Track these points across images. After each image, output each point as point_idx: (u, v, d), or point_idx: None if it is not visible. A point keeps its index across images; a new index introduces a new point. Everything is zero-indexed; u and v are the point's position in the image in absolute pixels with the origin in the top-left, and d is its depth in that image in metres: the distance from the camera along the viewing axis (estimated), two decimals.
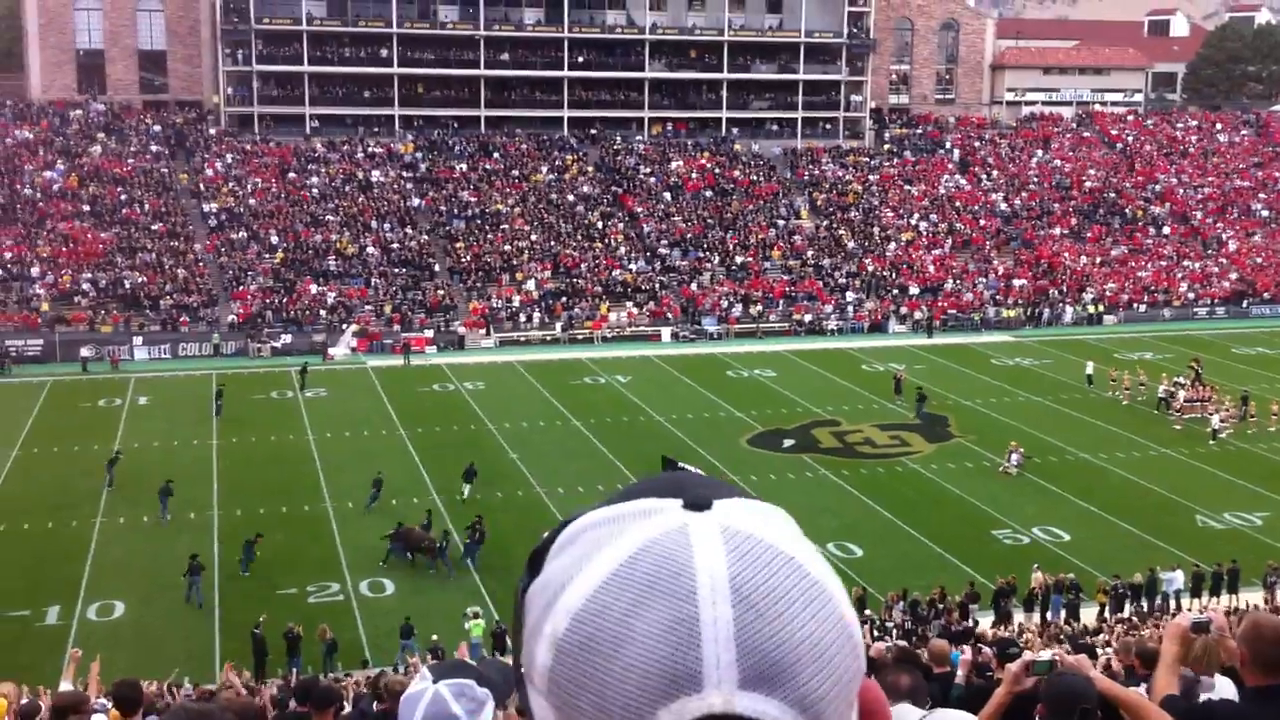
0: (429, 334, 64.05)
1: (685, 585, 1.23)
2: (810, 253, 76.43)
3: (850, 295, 72.38)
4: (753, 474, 43.07)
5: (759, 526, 1.30)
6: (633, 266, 72.40)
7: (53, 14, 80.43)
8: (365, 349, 62.32)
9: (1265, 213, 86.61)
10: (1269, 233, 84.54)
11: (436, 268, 70.37)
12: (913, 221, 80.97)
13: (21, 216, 68.04)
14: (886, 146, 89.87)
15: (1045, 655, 5.77)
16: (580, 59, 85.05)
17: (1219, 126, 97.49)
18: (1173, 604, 32.26)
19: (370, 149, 79.44)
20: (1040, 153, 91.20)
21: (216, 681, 25.53)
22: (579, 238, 74.48)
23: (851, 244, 77.90)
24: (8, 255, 64.96)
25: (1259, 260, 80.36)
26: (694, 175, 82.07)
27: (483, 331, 65.36)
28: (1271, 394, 53.41)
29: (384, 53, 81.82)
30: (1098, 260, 78.93)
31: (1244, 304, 76.12)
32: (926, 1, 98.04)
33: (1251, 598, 31.96)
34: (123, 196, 70.94)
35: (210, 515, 38.68)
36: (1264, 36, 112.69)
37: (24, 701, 15.26)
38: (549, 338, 65.81)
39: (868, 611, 30.44)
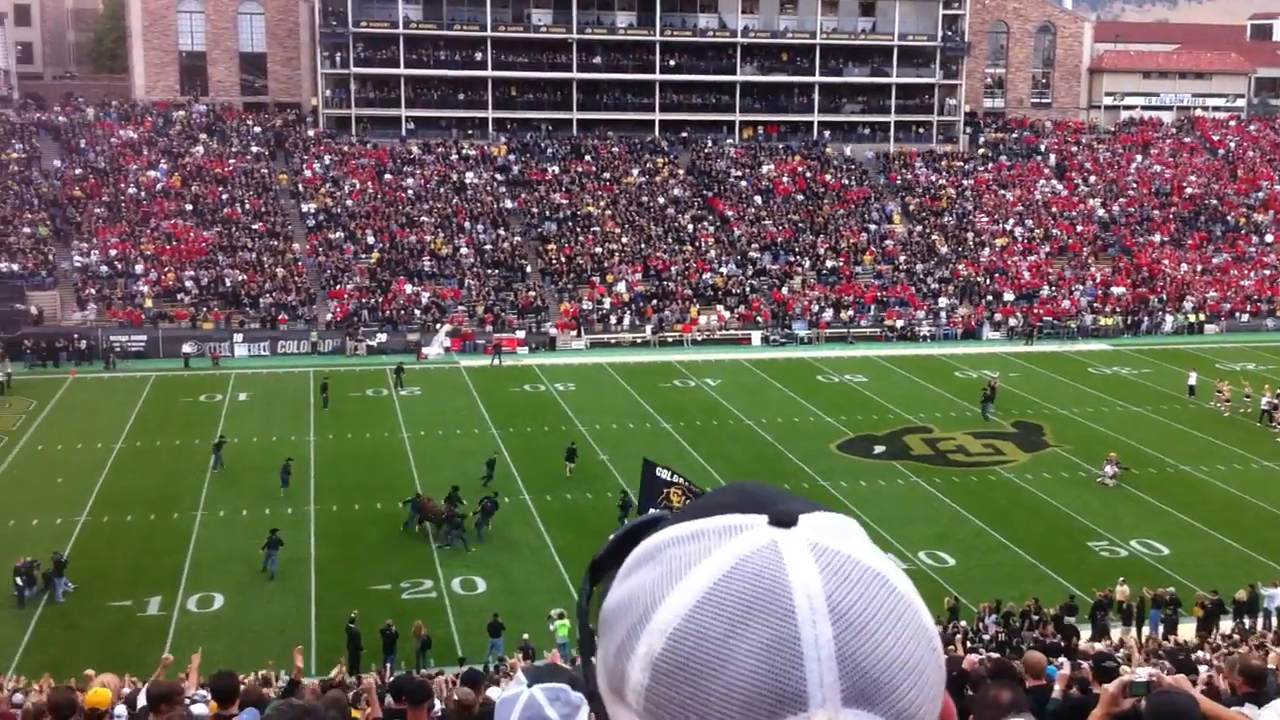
0: (520, 335, 64.55)
1: (783, 604, 1.24)
2: (902, 257, 75.84)
3: (943, 301, 71.68)
4: (842, 480, 42.90)
5: (844, 541, 1.31)
6: (723, 270, 72.37)
7: (156, 16, 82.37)
8: (458, 349, 63.01)
9: None
10: None
11: (528, 269, 70.93)
12: (1008, 227, 80.00)
13: (126, 215, 69.76)
14: (981, 151, 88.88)
15: (1142, 675, 5.70)
16: (672, 62, 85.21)
17: None
18: (1274, 621, 31.54)
19: (464, 151, 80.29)
20: (1139, 158, 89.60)
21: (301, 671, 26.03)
22: (669, 240, 74.63)
23: (945, 249, 77.16)
24: (113, 253, 66.64)
25: None
26: (785, 179, 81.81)
27: (573, 333, 65.75)
28: None
29: (478, 56, 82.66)
30: (1199, 268, 77.33)
31: None
32: (1023, 4, 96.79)
33: None
34: (224, 196, 72.45)
35: (307, 510, 39.33)
36: None
37: (127, 691, 15.68)
38: (639, 340, 66.01)
39: (962, 622, 30.13)
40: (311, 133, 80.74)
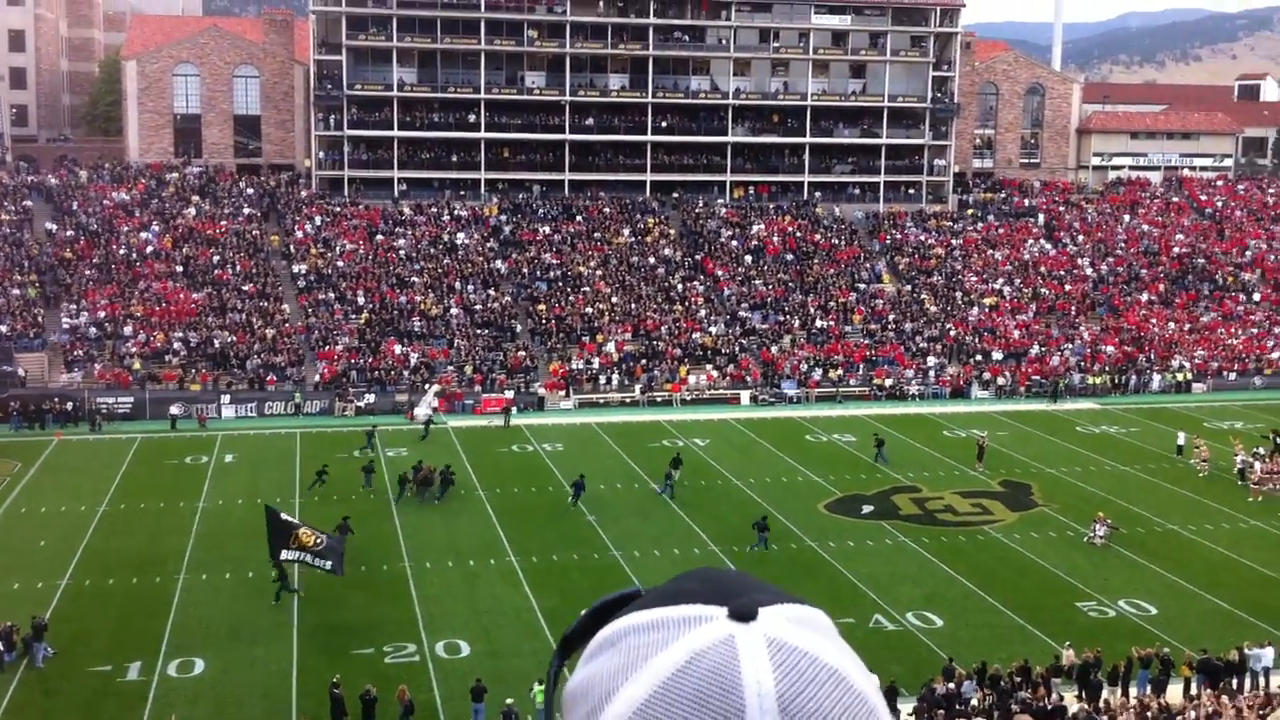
0: (509, 394, 64.50)
1: (734, 703, 1.22)
2: (892, 317, 76.03)
3: (932, 360, 71.79)
4: (831, 540, 42.73)
5: (804, 638, 1.29)
6: (713, 329, 72.50)
7: (151, 79, 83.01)
8: (446, 409, 62.90)
9: None
10: None
11: (518, 329, 71.03)
12: (996, 286, 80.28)
13: (116, 276, 69.88)
14: (970, 210, 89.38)
15: None
16: (664, 123, 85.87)
17: None
18: (1262, 682, 31.34)
19: (456, 212, 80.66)
20: (1128, 218, 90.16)
21: None
22: (659, 300, 74.81)
23: (934, 308, 77.39)
24: (102, 314, 66.68)
25: None
26: (775, 238, 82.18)
27: (562, 393, 65.71)
28: None
29: (471, 118, 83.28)
30: (1186, 327, 77.58)
31: None
32: (1012, 66, 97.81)
33: None
34: (215, 258, 72.63)
35: (290, 573, 38.96)
36: None
37: None
38: (628, 400, 65.96)
39: (950, 685, 29.91)
40: (304, 194, 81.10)
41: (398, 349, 67.16)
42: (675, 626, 1.30)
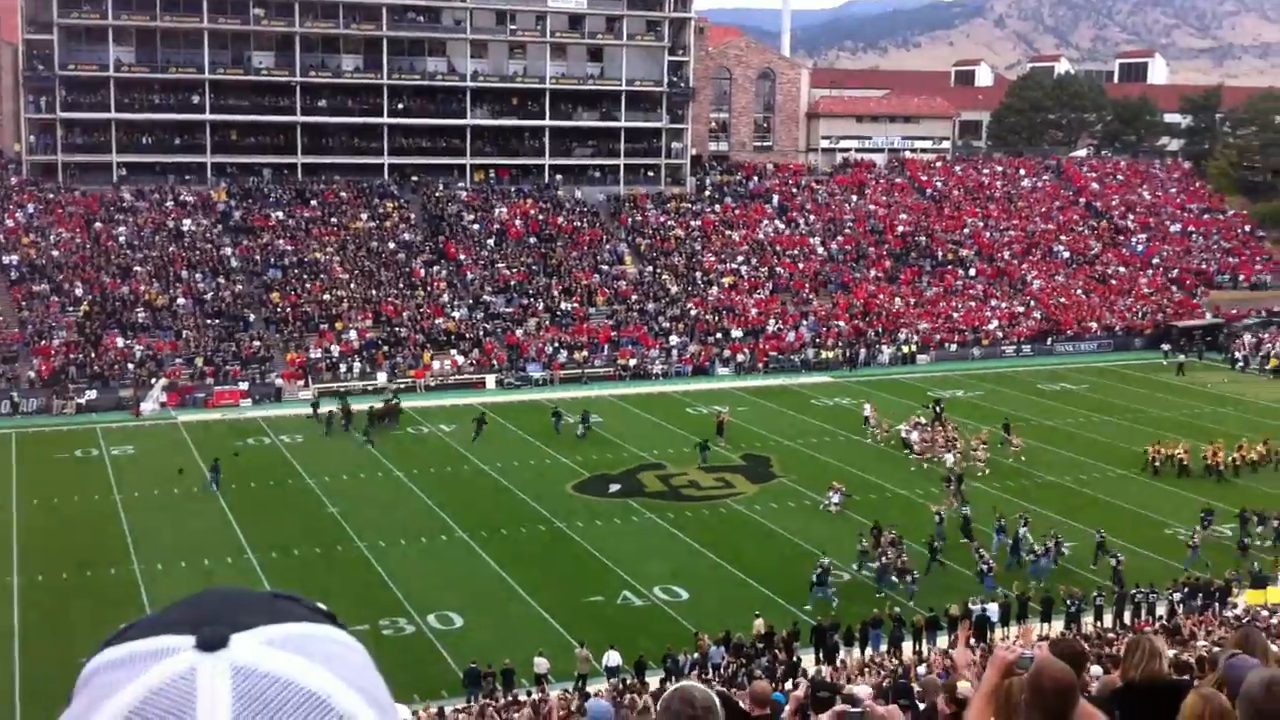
0: (244, 386, 62.21)
1: None
2: (634, 297, 76.86)
3: (674, 339, 72.90)
4: (579, 520, 42.88)
5: (280, 662, 1.21)
6: (456, 314, 71.72)
7: None
8: (175, 403, 60.21)
9: (1066, 254, 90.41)
10: (1071, 273, 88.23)
11: (251, 318, 68.55)
12: (734, 265, 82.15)
13: None
14: (707, 193, 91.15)
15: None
16: (400, 105, 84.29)
17: (1022, 172, 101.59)
18: (988, 634, 33.00)
19: (181, 197, 77.18)
20: (855, 198, 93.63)
21: None
22: (400, 286, 73.50)
23: (675, 288, 78.61)
24: None
25: (1062, 300, 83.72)
26: (517, 222, 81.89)
27: (301, 383, 63.79)
28: (1077, 428, 55.71)
29: (195, 99, 79.76)
30: (911, 301, 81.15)
31: (1049, 341, 79.12)
32: (744, 51, 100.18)
33: (1061, 625, 32.98)
34: None
35: (10, 581, 36.69)
36: (1063, 86, 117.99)
37: None
38: (370, 388, 64.53)
39: (694, 654, 30.40)
40: (14, 180, 76.15)
41: (121, 342, 63.84)
42: (141, 662, 1.21)
